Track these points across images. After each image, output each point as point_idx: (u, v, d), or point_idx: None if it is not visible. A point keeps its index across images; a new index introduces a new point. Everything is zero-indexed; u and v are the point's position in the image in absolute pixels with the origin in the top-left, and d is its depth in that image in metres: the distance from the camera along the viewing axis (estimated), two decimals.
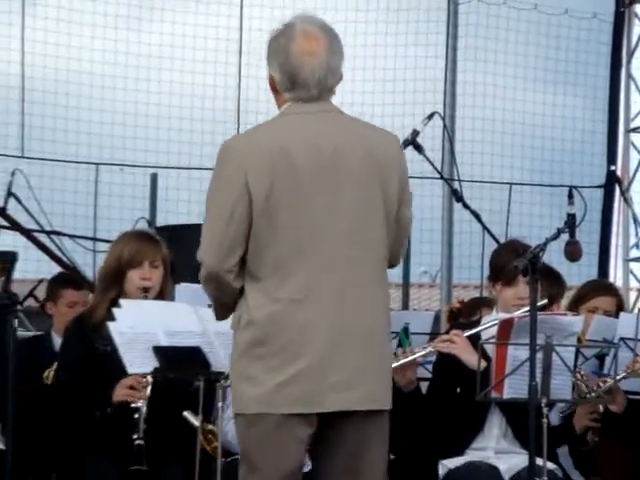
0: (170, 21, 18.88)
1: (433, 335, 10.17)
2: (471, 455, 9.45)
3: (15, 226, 13.11)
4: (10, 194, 14.42)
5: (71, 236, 15.12)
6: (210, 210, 7.30)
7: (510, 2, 18.68)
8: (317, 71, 7.25)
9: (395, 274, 10.81)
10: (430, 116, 10.99)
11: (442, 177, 12.99)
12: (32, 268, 14.25)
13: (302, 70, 7.24)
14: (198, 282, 9.07)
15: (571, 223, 9.94)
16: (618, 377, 9.48)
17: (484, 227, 12.48)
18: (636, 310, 12.07)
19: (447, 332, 10.23)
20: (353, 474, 7.20)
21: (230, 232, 7.15)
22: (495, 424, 9.55)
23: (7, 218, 13.25)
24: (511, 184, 17.26)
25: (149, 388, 9.09)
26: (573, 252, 10.47)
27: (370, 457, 7.28)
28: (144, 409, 9.05)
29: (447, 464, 9.45)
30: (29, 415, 9.12)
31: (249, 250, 7.14)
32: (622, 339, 9.44)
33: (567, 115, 18.66)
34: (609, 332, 9.65)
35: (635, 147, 17.49)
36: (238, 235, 7.13)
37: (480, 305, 10.63)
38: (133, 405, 9.10)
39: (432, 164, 11.31)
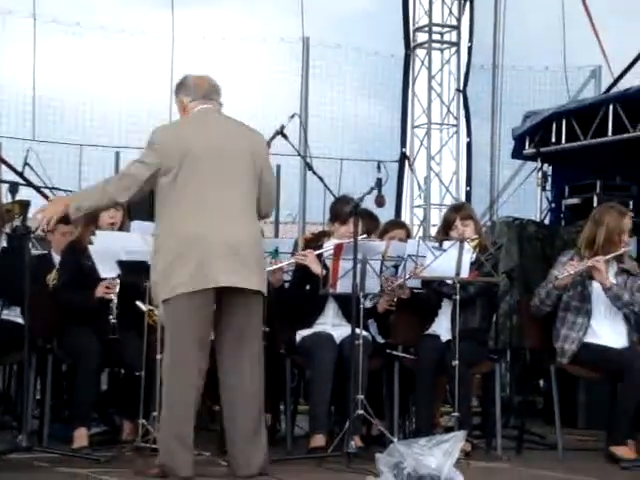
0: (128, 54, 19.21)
1: (293, 253, 10.51)
2: (316, 327, 9.72)
3: (29, 184, 13.24)
4: (26, 164, 14.60)
5: (64, 190, 15.30)
6: (135, 164, 7.81)
7: (343, 47, 19.00)
8: (205, 90, 7.93)
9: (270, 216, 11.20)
10: (292, 116, 11.37)
11: (299, 154, 13.33)
12: None
13: (197, 89, 7.90)
14: (145, 220, 9.56)
15: (379, 184, 10.29)
16: (406, 278, 9.86)
17: (325, 186, 12.77)
18: (417, 238, 12.24)
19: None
20: (242, 337, 7.60)
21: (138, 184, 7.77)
22: (331, 308, 9.83)
23: (24, 179, 13.42)
24: (342, 159, 17.38)
25: (118, 287, 9.33)
26: (380, 202, 10.75)
27: (252, 325, 7.69)
28: (115, 300, 9.28)
29: (301, 333, 9.76)
30: (38, 303, 9.25)
31: (172, 193, 7.59)
32: (409, 255, 9.75)
33: (378, 115, 18.75)
34: (401, 251, 9.93)
35: (417, 137, 17.82)
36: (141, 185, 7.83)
37: (323, 235, 10.75)
38: (107, 297, 9.36)
39: (293, 146, 11.42)
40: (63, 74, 19.70)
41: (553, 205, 16.35)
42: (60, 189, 15.73)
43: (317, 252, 9.95)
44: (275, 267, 9.79)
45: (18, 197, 11.29)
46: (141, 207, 10.33)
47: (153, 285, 7.86)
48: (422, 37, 18.18)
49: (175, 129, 8.02)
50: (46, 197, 14.79)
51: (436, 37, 18.14)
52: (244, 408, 7.57)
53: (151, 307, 8.98)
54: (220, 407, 7.96)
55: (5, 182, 10.86)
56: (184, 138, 7.72)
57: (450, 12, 18.04)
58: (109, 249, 9.29)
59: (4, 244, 9.62)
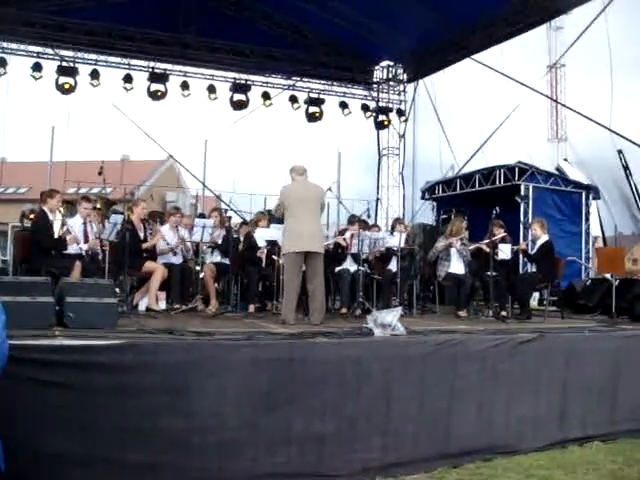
0: None
1: (335, 236, 10.37)
2: (342, 266, 9.49)
3: (231, 209, 13.25)
4: (230, 202, 14.70)
5: (247, 212, 14.92)
6: (279, 199, 7.65)
7: (354, 157, 18.89)
8: (301, 171, 7.63)
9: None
10: (333, 182, 11.18)
11: (337, 198, 13.03)
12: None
13: (298, 171, 7.64)
14: (277, 224, 9.20)
15: (368, 209, 10.42)
16: (380, 247, 9.80)
17: (346, 210, 12.67)
18: (384, 231, 12.04)
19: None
20: (315, 274, 7.52)
21: (280, 209, 7.63)
22: (349, 258, 9.51)
23: (230, 208, 13.38)
24: (353, 199, 15.91)
25: (265, 251, 9.19)
26: (369, 216, 10.84)
27: (319, 265, 7.58)
28: (264, 257, 9.19)
29: (337, 268, 9.53)
30: (233, 257, 9.87)
31: (289, 213, 7.52)
32: (380, 238, 9.74)
33: (369, 182, 18.68)
34: (377, 236, 9.67)
35: (383, 191, 18.00)
36: (282, 209, 7.59)
37: (345, 230, 9.95)
38: (260, 256, 9.23)
39: (334, 194, 11.33)
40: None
41: (436, 218, 16.39)
42: (243, 211, 15.59)
43: (343, 236, 9.73)
44: (326, 243, 9.73)
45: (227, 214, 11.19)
46: (276, 220, 10.41)
47: (282, 248, 7.82)
48: (384, 152, 17.95)
49: (290, 187, 7.72)
50: (241, 217, 14.56)
51: (391, 152, 17.91)
52: (317, 297, 7.59)
53: (279, 258, 8.81)
54: (306, 296, 7.87)
55: (222, 209, 10.86)
56: (292, 191, 7.61)
57: (396, 142, 17.99)
58: (263, 235, 9.18)
59: (224, 233, 9.52)
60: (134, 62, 15.30)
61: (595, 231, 15.43)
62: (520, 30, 13.80)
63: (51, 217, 8.02)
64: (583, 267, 14.35)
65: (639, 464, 5.86)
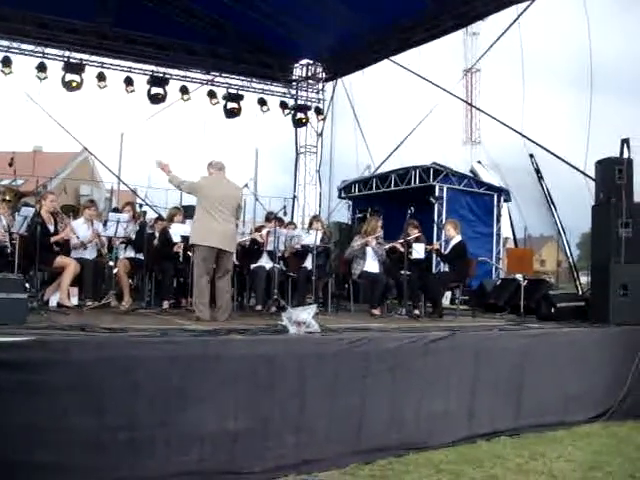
0: None
1: (251, 233, 10.35)
2: (258, 263, 9.52)
3: (146, 204, 12.75)
4: (145, 196, 14.28)
5: (162, 207, 14.59)
6: (190, 184, 7.52)
7: (271, 153, 19.00)
8: (219, 167, 7.59)
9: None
10: (250, 179, 11.09)
11: (254, 195, 13.04)
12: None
13: (216, 166, 7.57)
14: (192, 219, 9.06)
15: (285, 207, 10.35)
16: (295, 244, 9.88)
17: (263, 207, 12.63)
18: (300, 228, 12.04)
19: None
20: (225, 272, 7.56)
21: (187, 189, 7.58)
22: (265, 255, 9.57)
23: (145, 202, 12.91)
24: (270, 197, 15.83)
25: (182, 246, 9.01)
26: (285, 214, 10.77)
27: (229, 263, 7.61)
28: (180, 251, 9.07)
29: (253, 265, 9.56)
30: (150, 250, 9.41)
31: (203, 207, 7.43)
32: (296, 235, 9.79)
33: (285, 179, 18.57)
34: (293, 233, 9.78)
35: (300, 188, 18.20)
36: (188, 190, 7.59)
37: (262, 227, 10.15)
38: (177, 250, 9.10)
39: (251, 191, 11.33)
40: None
41: (352, 217, 16.48)
42: (159, 206, 15.36)
43: (259, 233, 9.70)
44: (242, 239, 9.66)
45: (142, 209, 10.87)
46: (189, 215, 10.25)
47: (190, 238, 7.70)
48: (302, 150, 18.05)
49: (206, 179, 7.58)
50: (156, 213, 14.20)
51: (308, 150, 18.04)
52: (224, 295, 7.63)
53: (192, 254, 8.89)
54: (214, 294, 7.74)
55: (137, 203, 10.55)
56: (210, 186, 7.48)
57: (314, 140, 18.12)
58: (178, 230, 9.10)
59: (137, 228, 9.27)
60: (48, 51, 14.89)
61: (506, 232, 15.88)
62: (436, 35, 14.10)
63: None
64: (494, 267, 14.76)
65: (543, 457, 6.06)
